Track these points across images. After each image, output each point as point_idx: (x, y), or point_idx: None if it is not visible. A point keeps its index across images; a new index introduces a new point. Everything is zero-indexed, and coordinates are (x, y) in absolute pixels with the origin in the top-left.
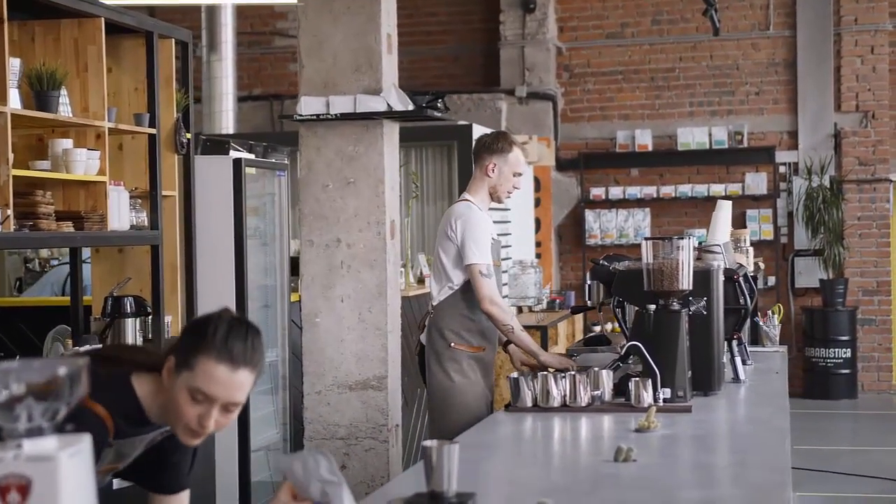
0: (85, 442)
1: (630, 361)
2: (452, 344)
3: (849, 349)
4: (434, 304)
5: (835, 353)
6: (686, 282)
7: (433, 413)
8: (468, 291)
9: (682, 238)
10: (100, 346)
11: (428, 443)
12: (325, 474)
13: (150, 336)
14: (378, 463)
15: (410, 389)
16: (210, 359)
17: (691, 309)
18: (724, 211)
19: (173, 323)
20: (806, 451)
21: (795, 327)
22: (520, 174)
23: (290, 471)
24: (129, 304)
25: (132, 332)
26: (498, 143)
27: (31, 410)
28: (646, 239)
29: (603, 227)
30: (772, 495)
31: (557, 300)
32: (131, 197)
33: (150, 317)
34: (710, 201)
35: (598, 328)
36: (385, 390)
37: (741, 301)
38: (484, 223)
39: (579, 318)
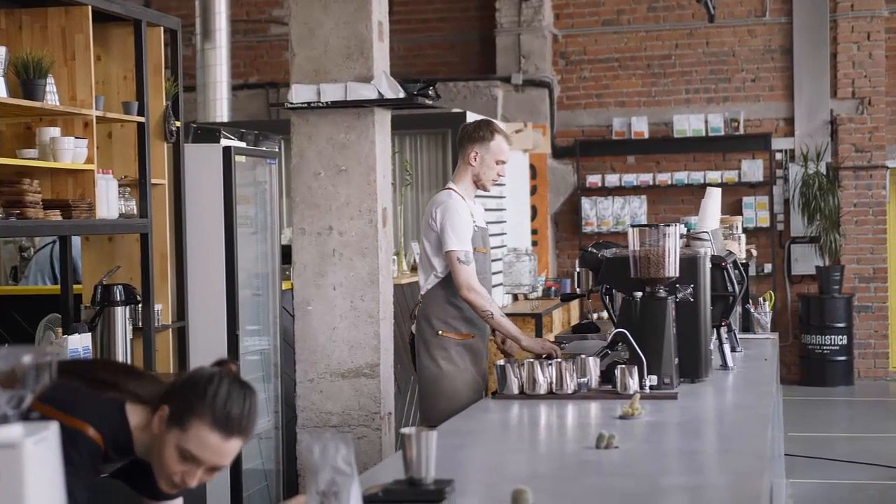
0: (51, 430)
1: (618, 349)
2: (440, 332)
3: (845, 336)
4: (421, 293)
5: (831, 340)
6: (672, 269)
7: (423, 401)
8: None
9: (669, 225)
10: (93, 359)
11: (406, 430)
12: (340, 463)
13: (139, 324)
14: (371, 451)
15: (403, 377)
16: (205, 424)
17: (678, 296)
18: (713, 198)
19: (163, 311)
20: (801, 438)
21: (792, 314)
22: (503, 162)
23: (310, 450)
24: (118, 293)
25: (122, 320)
26: (479, 131)
27: None
28: (632, 226)
29: (599, 214)
30: (749, 481)
31: (553, 288)
32: (120, 185)
33: (139, 305)
34: (707, 188)
35: (595, 315)
36: (377, 378)
37: (729, 288)
38: (463, 210)
39: (575, 305)
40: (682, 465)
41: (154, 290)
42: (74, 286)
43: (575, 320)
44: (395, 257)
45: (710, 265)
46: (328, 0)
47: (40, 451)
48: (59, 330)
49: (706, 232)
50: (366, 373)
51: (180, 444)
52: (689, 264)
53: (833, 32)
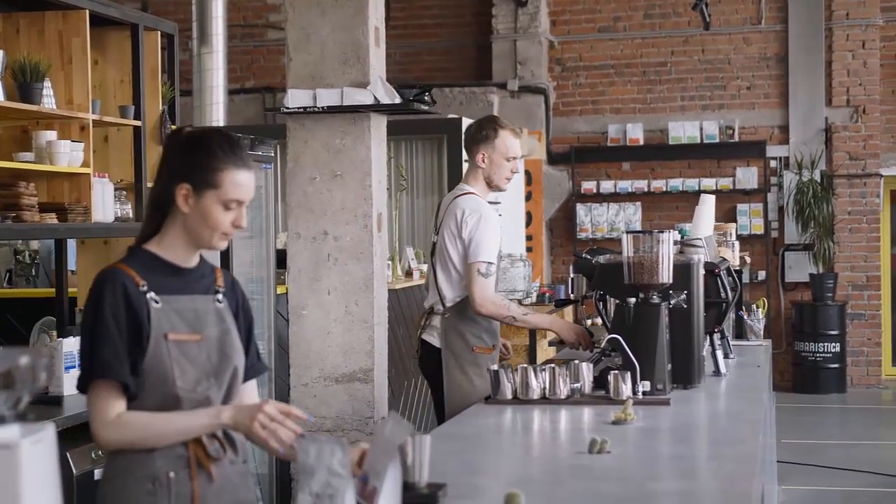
0: (48, 431)
1: (612, 354)
2: (475, 348)
3: (838, 344)
4: (447, 304)
5: (824, 347)
6: (666, 275)
7: (454, 416)
8: None
9: (663, 232)
10: None
11: None
12: (336, 466)
13: None
14: None
15: (397, 383)
16: (231, 171)
17: (671, 302)
18: (707, 205)
19: None
20: (794, 445)
21: (785, 321)
22: (513, 158)
23: (305, 451)
24: None
25: None
26: (482, 131)
27: None
28: (626, 232)
29: (594, 220)
30: (740, 486)
31: (548, 294)
32: (116, 189)
33: None
34: (701, 195)
35: (589, 321)
36: (371, 383)
37: (722, 295)
38: (494, 220)
39: (570, 311)
40: (673, 471)
41: None
42: (70, 289)
43: None
44: (390, 262)
45: (704, 272)
46: (325, 5)
47: (37, 451)
48: (54, 333)
49: (700, 239)
50: (360, 378)
51: (221, 198)
52: (683, 271)
53: (828, 41)
